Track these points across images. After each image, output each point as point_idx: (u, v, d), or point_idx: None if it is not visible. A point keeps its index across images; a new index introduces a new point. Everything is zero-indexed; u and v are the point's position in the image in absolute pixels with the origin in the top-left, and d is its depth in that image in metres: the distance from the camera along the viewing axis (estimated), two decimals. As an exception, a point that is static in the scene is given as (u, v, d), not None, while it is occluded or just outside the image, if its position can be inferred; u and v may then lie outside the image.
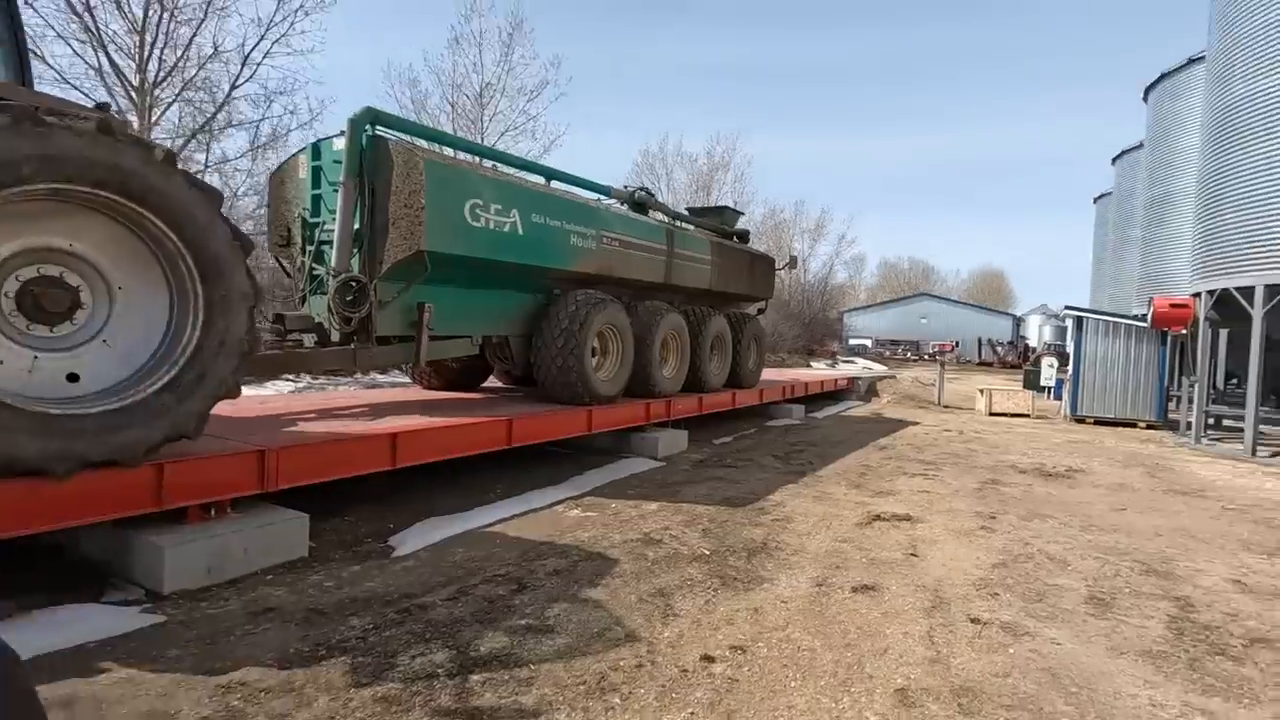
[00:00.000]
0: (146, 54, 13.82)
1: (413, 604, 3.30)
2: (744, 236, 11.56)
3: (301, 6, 15.55)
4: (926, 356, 49.63)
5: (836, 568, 4.19)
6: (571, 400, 6.72)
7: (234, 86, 14.82)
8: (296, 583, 3.54)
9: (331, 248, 5.33)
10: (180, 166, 3.29)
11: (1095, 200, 30.41)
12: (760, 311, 12.00)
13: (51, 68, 13.26)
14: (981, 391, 14.81)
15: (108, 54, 13.62)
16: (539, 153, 21.65)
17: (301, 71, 16.02)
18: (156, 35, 14.02)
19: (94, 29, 13.27)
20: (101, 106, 3.67)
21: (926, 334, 55.83)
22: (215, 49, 15.38)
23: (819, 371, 19.35)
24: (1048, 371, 17.89)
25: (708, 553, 4.32)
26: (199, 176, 3.49)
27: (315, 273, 5.61)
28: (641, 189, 8.89)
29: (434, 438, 4.91)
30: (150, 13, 14.24)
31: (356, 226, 5.36)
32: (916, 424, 12.07)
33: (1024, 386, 17.83)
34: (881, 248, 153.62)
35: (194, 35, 14.71)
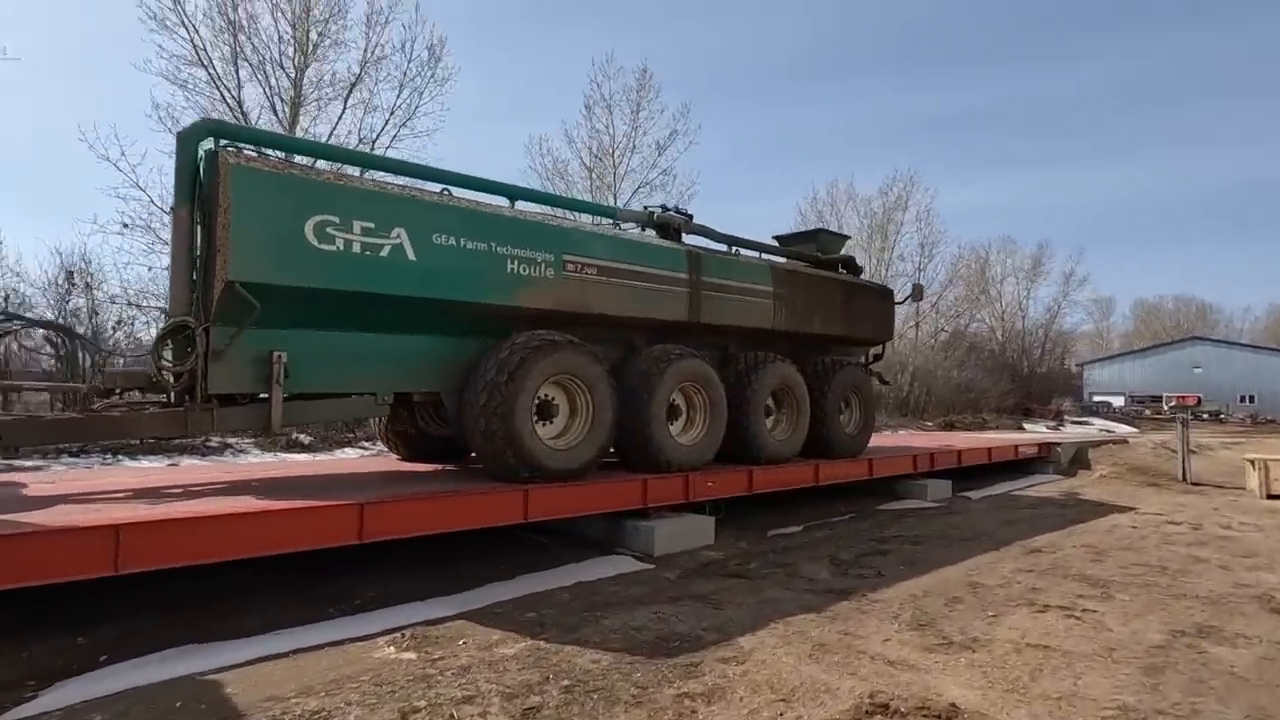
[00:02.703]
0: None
1: None
2: (850, 265, 9.13)
3: (418, 90, 16.52)
4: (1205, 416, 39.27)
5: None
6: (503, 475, 5.05)
7: (363, 171, 15.89)
8: None
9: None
10: None
11: None
12: (876, 358, 9.33)
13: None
14: (1253, 463, 10.20)
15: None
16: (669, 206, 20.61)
17: (423, 150, 16.70)
18: (298, 130, 15.53)
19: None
20: None
21: (1202, 387, 44.49)
22: (359, 140, 16.78)
23: (988, 436, 15.30)
24: (1381, 433, 12.12)
25: (450, 774, 2.36)
26: None
27: (173, 321, 4.71)
28: (666, 207, 7.15)
29: (192, 532, 3.55)
30: (299, 114, 15.90)
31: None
32: (1126, 511, 8.33)
33: (1340, 455, 12.25)
34: (1135, 288, 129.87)
35: (333, 128, 16.14)
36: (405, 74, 16.40)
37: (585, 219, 7.68)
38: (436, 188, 5.49)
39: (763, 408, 6.91)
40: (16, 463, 8.29)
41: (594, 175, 21.28)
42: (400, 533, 4.26)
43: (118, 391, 4.49)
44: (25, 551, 3.12)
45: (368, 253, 4.50)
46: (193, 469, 7.29)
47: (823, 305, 7.90)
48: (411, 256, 4.69)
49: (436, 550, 5.18)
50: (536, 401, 5.23)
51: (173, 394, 4.41)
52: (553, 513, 5.07)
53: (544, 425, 5.34)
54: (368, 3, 16.41)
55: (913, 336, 30.75)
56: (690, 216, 7.35)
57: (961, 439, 12.43)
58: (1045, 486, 10.48)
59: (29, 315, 7.88)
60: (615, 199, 20.41)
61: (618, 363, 6.14)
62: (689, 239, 7.23)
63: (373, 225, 4.52)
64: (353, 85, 16.05)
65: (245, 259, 4.06)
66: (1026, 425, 24.20)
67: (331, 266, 4.36)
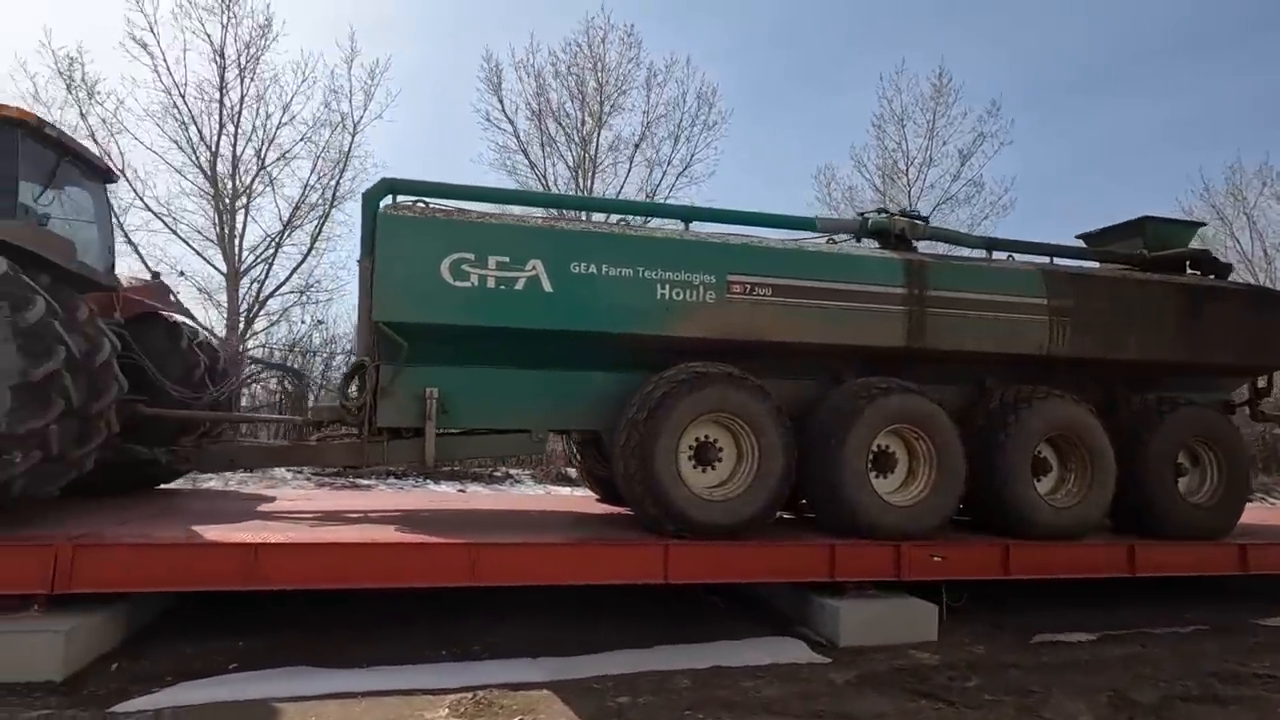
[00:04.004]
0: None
1: None
2: (1204, 262, 6.47)
3: (690, 139, 17.14)
4: None
5: None
6: (649, 525, 4.47)
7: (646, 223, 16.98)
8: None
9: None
10: None
11: None
12: (1259, 394, 6.35)
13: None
14: None
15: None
16: (976, 221, 17.80)
17: (698, 195, 17.28)
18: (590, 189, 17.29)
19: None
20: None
21: None
22: (646, 195, 18.06)
23: None
24: None
25: None
26: None
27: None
28: (888, 211, 5.86)
29: (312, 557, 3.74)
30: (595, 180, 17.74)
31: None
32: None
33: None
34: None
35: (620, 188, 17.62)
36: (679, 126, 17.22)
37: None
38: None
39: (1028, 461, 5.07)
40: (360, 481, 10.41)
41: (886, 197, 19.48)
42: (513, 579, 4.01)
43: (324, 424, 5.18)
44: (176, 561, 3.61)
45: (502, 287, 4.45)
46: (419, 494, 8.24)
47: (1141, 320, 5.63)
48: (548, 288, 4.51)
49: (590, 600, 4.80)
50: (694, 443, 4.58)
51: (356, 428, 4.90)
52: (701, 575, 4.34)
53: (704, 471, 4.63)
54: (646, 67, 17.78)
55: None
56: (925, 219, 5.95)
57: None
58: None
59: (268, 360, 10.01)
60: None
61: (813, 400, 5.12)
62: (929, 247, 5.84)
63: (508, 259, 4.47)
64: (636, 145, 17.41)
65: (387, 300, 4.32)
66: None
67: (467, 303, 4.40)
